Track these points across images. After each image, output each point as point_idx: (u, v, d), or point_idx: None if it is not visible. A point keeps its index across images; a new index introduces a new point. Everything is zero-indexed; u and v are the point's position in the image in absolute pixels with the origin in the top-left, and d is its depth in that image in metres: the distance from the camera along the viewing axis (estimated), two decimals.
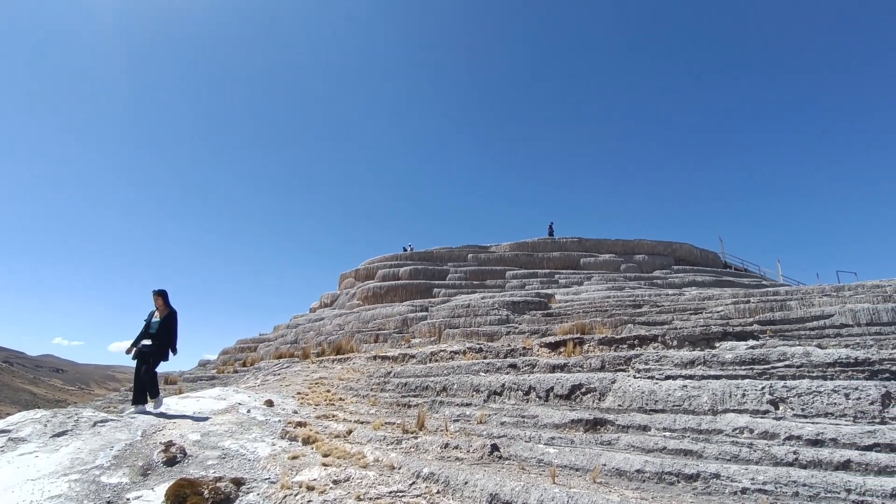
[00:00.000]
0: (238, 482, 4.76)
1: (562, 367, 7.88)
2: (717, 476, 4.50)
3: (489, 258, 25.02)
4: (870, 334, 7.85)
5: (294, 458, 5.65)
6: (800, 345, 6.80)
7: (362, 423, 7.46)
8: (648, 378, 6.55)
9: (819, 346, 6.47)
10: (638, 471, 4.82)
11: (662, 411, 5.98)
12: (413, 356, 11.45)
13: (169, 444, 5.31)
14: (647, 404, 6.15)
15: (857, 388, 5.08)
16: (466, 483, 4.68)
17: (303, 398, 9.37)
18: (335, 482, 4.86)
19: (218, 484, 4.55)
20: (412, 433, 6.63)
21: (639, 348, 8.14)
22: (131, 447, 5.43)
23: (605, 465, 4.99)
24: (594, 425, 6.04)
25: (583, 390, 6.93)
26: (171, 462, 5.03)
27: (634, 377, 6.73)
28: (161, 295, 7.42)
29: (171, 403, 7.81)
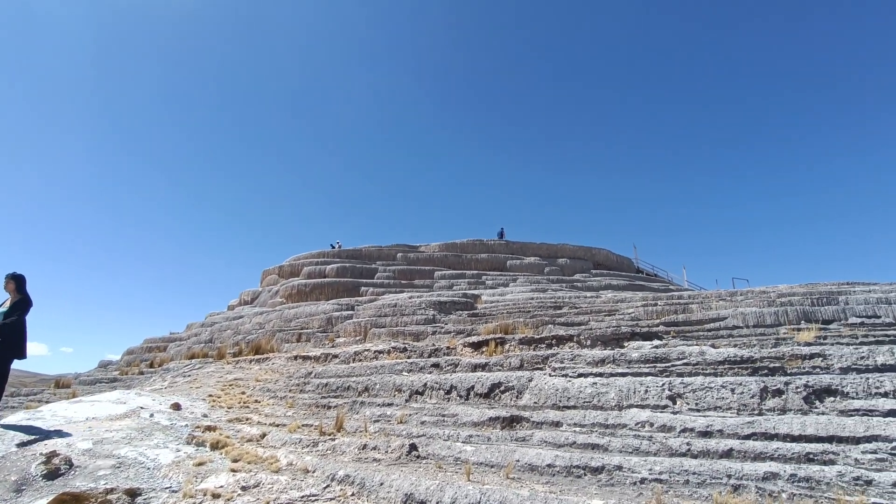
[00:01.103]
0: (133, 493, 4.41)
1: (483, 367, 8.05)
2: (619, 468, 4.78)
3: (418, 258, 25.07)
4: (755, 335, 8.71)
5: (200, 464, 5.33)
6: (697, 345, 7.41)
7: (278, 425, 7.18)
8: (563, 376, 6.85)
9: (713, 346, 7.09)
10: (549, 465, 5.02)
11: (574, 408, 6.27)
12: (336, 356, 11.21)
13: (52, 455, 4.80)
14: (560, 401, 6.43)
15: (741, 384, 5.61)
16: (382, 484, 4.64)
17: (215, 401, 8.87)
18: (244, 488, 4.64)
19: (109, 496, 4.19)
20: (329, 435, 6.48)
21: (556, 348, 8.49)
22: (3, 460, 4.86)
23: (518, 460, 5.15)
24: (511, 422, 6.22)
25: (502, 389, 7.11)
26: (53, 475, 4.55)
27: (550, 375, 7.01)
28: (14, 279, 6.09)
29: (58, 409, 7.09)
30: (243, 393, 9.61)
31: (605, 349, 7.96)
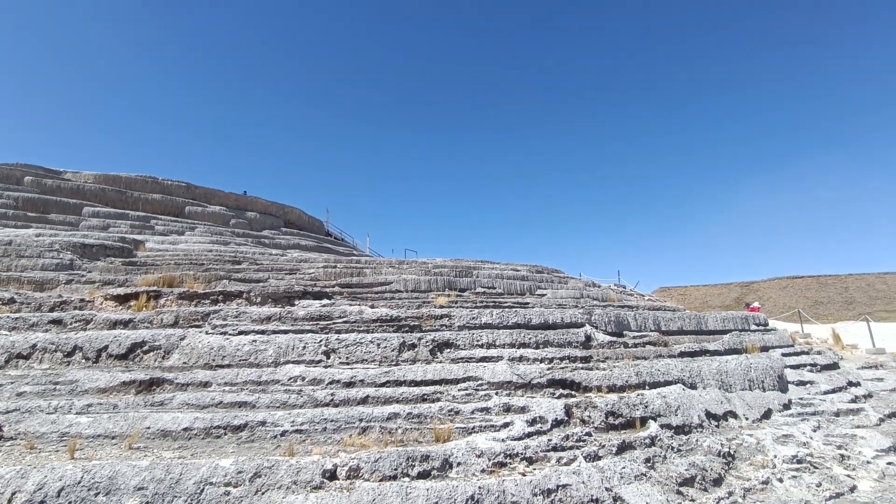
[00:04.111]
0: None
1: (126, 324, 6.83)
2: (263, 423, 4.78)
3: (61, 187, 19.56)
4: (411, 298, 10.14)
5: None
6: (360, 305, 8.08)
7: None
8: (221, 334, 6.42)
9: (371, 307, 7.86)
10: (186, 429, 4.61)
11: (229, 366, 5.96)
12: None
13: None
14: (214, 360, 6.01)
15: (386, 339, 6.39)
16: None
17: None
18: None
19: None
20: None
21: (222, 304, 7.92)
22: None
23: (148, 427, 4.56)
24: (149, 386, 5.46)
25: (145, 348, 6.18)
26: None
27: (207, 333, 6.48)
28: None
29: None
30: None
31: (275, 307, 7.86)
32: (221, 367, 5.93)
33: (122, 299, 8.05)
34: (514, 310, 7.76)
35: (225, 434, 4.62)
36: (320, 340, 6.28)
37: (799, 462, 5.59)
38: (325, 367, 5.95)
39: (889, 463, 5.75)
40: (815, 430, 6.65)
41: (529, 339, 7.01)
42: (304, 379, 5.65)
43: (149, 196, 20.95)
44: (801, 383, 8.62)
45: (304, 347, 6.16)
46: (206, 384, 5.55)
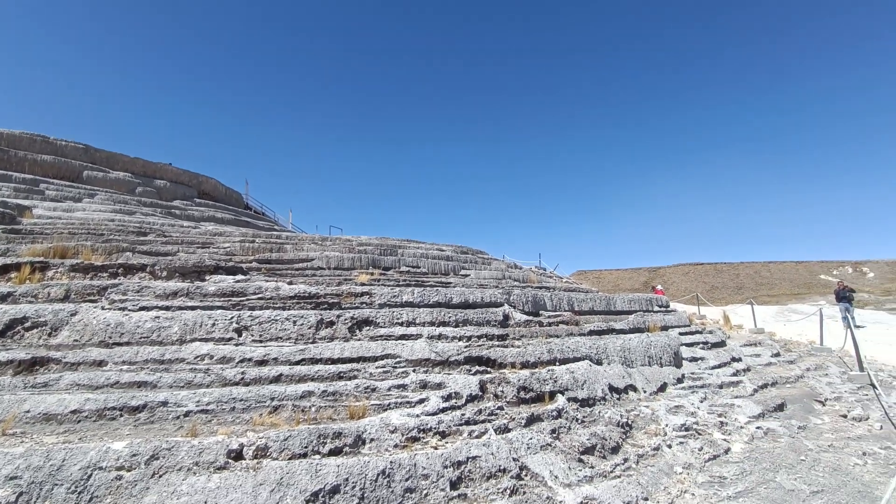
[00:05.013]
0: None
1: (3, 297, 6.11)
2: (164, 404, 4.50)
3: None
4: (334, 276, 9.92)
5: None
6: (276, 281, 7.78)
7: None
8: (121, 310, 5.93)
9: (290, 283, 7.59)
10: (74, 411, 4.24)
11: (128, 344, 5.54)
12: None
13: None
14: (111, 337, 5.55)
15: (303, 317, 6.22)
16: None
17: None
18: None
19: None
20: None
21: (122, 278, 7.30)
22: None
23: (28, 411, 4.14)
24: (31, 366, 4.95)
25: (27, 325, 5.58)
26: None
27: (104, 308, 5.96)
28: None
29: None
30: None
31: (183, 282, 7.37)
32: (119, 344, 5.49)
33: (2, 270, 7.19)
34: (435, 289, 7.83)
35: (121, 416, 4.30)
36: (232, 317, 5.99)
37: (686, 430, 6.18)
38: (237, 344, 5.70)
39: (758, 427, 6.51)
40: (701, 401, 7.36)
41: (449, 317, 7.13)
42: (212, 357, 5.38)
43: (38, 157, 18.74)
44: (694, 359, 9.49)
45: (214, 324, 5.85)
46: (100, 363, 5.12)
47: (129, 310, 5.94)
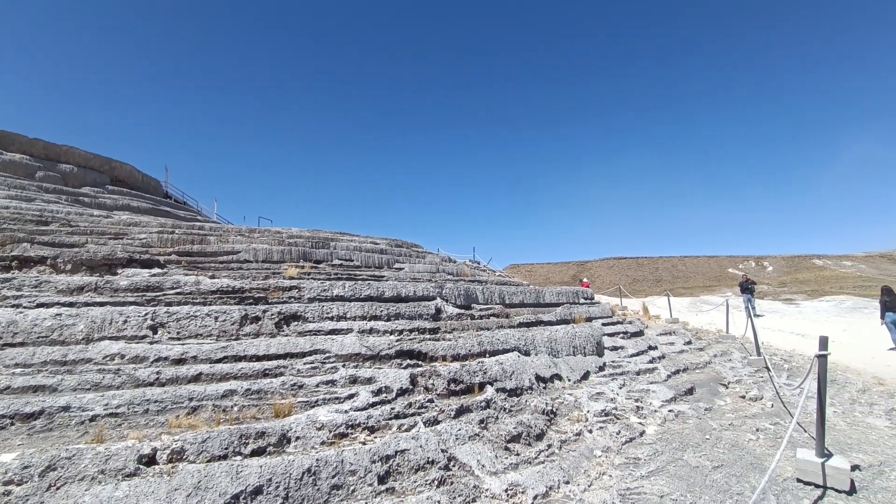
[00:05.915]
0: None
1: None
2: (66, 408, 4.14)
3: None
4: (262, 269, 9.52)
5: None
6: (197, 275, 7.36)
7: None
8: (14, 307, 5.38)
9: (212, 277, 7.21)
10: None
11: (23, 344, 5.03)
12: None
13: None
14: (1, 338, 5.01)
15: (225, 312, 5.93)
16: None
17: None
18: None
19: None
20: None
21: (17, 271, 6.62)
22: None
23: None
24: None
25: None
26: None
27: None
28: None
29: None
30: None
31: (90, 276, 6.80)
32: (12, 345, 4.98)
33: None
34: (367, 282, 7.74)
35: (11, 425, 3.91)
36: (146, 314, 5.60)
37: (606, 415, 6.54)
38: (151, 342, 5.34)
39: (670, 410, 7.01)
40: (620, 388, 7.81)
41: (381, 311, 7.07)
42: (123, 357, 5.01)
43: None
44: (615, 348, 10.04)
45: (126, 321, 5.44)
46: None
47: (25, 307, 5.40)
